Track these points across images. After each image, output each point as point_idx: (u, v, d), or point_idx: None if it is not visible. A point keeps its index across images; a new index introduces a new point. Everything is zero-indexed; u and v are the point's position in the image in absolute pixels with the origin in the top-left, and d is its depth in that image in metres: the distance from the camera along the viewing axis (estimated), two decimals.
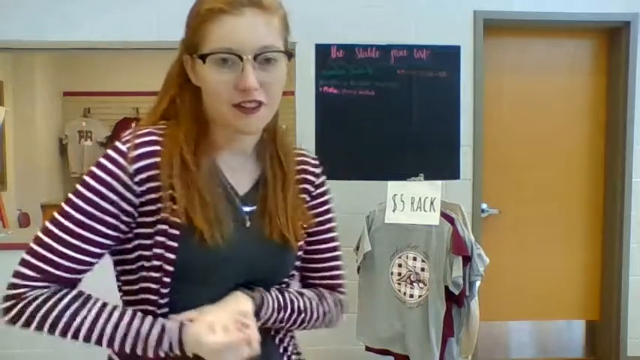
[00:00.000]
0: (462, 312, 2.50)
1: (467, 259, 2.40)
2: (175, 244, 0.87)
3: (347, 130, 3.09)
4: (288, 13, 0.93)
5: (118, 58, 4.93)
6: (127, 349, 0.86)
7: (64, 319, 0.84)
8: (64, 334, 0.85)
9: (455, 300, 2.44)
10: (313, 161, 1.06)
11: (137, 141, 0.87)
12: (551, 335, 3.51)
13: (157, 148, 0.88)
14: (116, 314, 0.86)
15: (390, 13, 3.08)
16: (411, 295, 2.51)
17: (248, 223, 0.95)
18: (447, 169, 3.10)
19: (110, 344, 0.86)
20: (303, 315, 1.01)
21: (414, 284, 2.51)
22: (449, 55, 3.10)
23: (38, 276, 0.84)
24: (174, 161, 0.87)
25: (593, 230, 3.37)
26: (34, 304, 0.84)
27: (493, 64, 3.21)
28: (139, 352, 0.86)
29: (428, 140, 3.11)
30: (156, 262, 0.88)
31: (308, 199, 1.04)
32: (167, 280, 0.89)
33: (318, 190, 1.06)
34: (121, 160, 0.86)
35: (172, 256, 0.88)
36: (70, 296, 0.86)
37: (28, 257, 0.85)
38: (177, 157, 0.88)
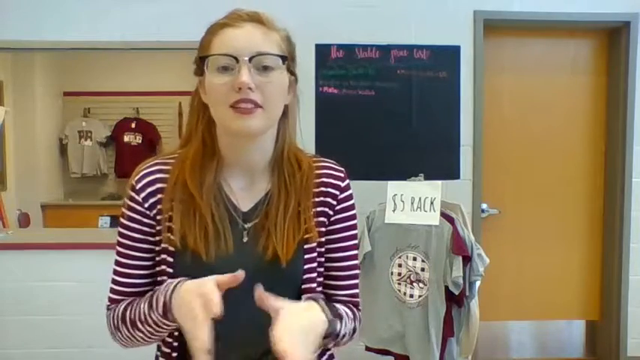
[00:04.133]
0: (462, 312, 2.50)
1: (467, 259, 2.40)
2: (171, 260, 0.96)
3: (347, 130, 3.09)
4: (290, 36, 1.01)
5: (118, 58, 4.94)
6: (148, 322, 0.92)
7: (120, 317, 0.97)
8: (125, 332, 0.96)
9: (455, 300, 2.44)
10: (338, 173, 1.06)
11: (142, 173, 0.99)
12: (551, 335, 3.51)
13: (162, 175, 0.99)
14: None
15: (390, 13, 3.09)
16: (411, 295, 2.51)
17: (245, 238, 0.98)
18: (447, 169, 3.10)
19: (142, 323, 0.93)
20: (345, 329, 0.99)
21: (414, 284, 2.51)
22: (449, 55, 3.10)
23: (113, 299, 1.01)
24: (176, 187, 0.97)
25: (593, 230, 3.37)
26: (108, 324, 1.00)
27: (493, 64, 3.21)
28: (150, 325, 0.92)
29: (428, 140, 3.10)
30: (162, 277, 0.98)
31: (330, 212, 1.04)
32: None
33: (343, 205, 1.05)
34: (132, 193, 0.99)
35: (171, 270, 0.96)
36: (121, 304, 0.99)
37: (110, 287, 1.02)
38: (179, 184, 0.97)
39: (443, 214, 2.49)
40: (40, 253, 3.05)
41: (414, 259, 2.50)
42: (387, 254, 2.56)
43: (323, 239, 1.03)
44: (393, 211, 2.56)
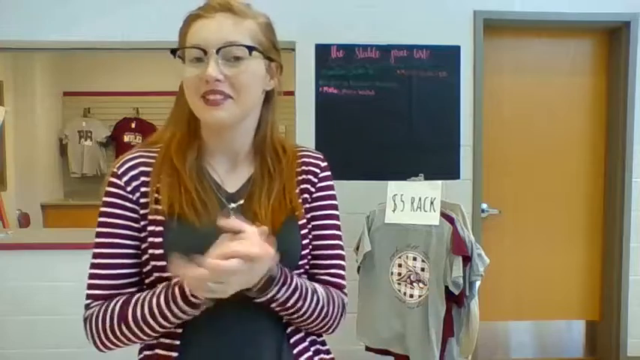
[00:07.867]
0: (462, 312, 2.50)
1: (467, 259, 2.40)
2: (161, 228, 0.95)
3: (347, 130, 3.09)
4: (270, 23, 1.01)
5: (118, 58, 4.94)
6: (152, 323, 0.92)
7: (117, 316, 0.94)
8: (117, 333, 0.94)
9: (455, 300, 2.44)
10: (317, 155, 1.11)
11: (124, 160, 1.00)
12: (551, 335, 3.51)
13: (145, 160, 1.01)
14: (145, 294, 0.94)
15: (390, 13, 3.09)
16: (411, 295, 2.51)
17: (232, 217, 0.99)
18: (447, 169, 3.10)
19: (144, 322, 0.92)
20: (314, 304, 0.99)
21: (414, 284, 2.51)
22: (449, 55, 3.10)
23: (94, 295, 0.98)
24: (163, 164, 0.99)
25: (593, 230, 3.37)
26: (92, 325, 0.97)
27: (493, 64, 3.21)
28: (160, 320, 0.91)
29: (428, 140, 3.11)
30: (150, 250, 0.96)
31: (312, 189, 1.07)
32: (159, 263, 0.95)
33: (320, 185, 1.08)
34: (113, 179, 0.99)
35: (159, 240, 0.95)
36: (112, 302, 0.96)
37: (87, 283, 0.99)
38: (167, 161, 1.00)
39: (443, 214, 2.49)
40: (40, 253, 3.05)
41: (414, 259, 2.50)
42: (387, 254, 2.56)
43: (308, 216, 1.05)
44: (393, 211, 2.56)
